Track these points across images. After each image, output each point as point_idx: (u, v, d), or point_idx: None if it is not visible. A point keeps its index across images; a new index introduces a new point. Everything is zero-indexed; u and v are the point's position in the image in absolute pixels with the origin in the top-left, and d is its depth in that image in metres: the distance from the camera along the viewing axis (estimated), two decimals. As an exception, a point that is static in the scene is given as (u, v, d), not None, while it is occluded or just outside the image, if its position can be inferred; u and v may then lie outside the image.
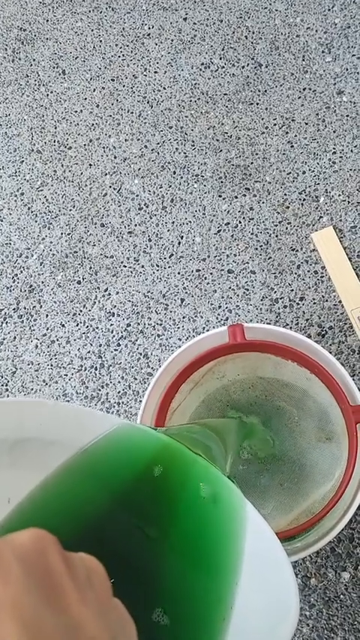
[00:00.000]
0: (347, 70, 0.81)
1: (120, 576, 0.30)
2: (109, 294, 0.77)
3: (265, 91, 0.82)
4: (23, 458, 0.33)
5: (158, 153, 0.82)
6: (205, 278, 0.75)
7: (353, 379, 0.66)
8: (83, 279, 0.78)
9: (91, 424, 0.37)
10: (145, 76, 0.87)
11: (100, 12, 0.93)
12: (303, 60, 0.83)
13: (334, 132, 0.78)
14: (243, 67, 0.84)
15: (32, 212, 0.83)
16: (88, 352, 0.74)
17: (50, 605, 0.15)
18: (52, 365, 0.75)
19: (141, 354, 0.73)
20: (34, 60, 0.92)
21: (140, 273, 0.77)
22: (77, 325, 0.76)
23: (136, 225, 0.79)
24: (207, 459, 0.37)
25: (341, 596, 0.63)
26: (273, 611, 0.30)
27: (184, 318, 0.74)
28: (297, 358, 0.51)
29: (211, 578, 0.33)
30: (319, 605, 0.63)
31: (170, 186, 0.80)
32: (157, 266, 0.77)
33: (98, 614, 0.17)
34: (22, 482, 0.33)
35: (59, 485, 0.34)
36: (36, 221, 0.82)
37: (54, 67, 0.91)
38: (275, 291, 0.73)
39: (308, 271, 0.73)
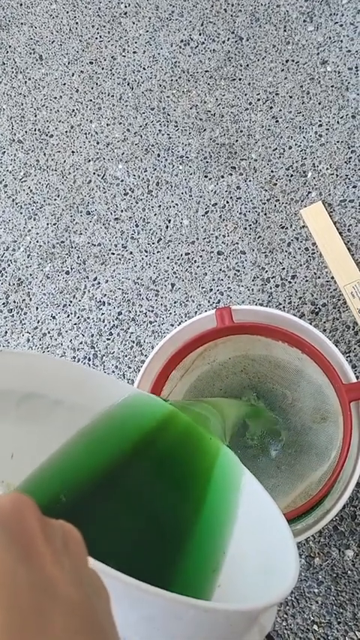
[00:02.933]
0: (330, 38, 0.78)
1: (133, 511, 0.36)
2: (99, 282, 0.76)
3: (247, 65, 0.80)
4: (30, 414, 0.35)
5: (141, 136, 0.81)
6: (195, 261, 0.74)
7: (349, 355, 0.65)
8: (72, 269, 0.77)
9: (102, 387, 0.39)
10: (124, 56, 0.85)
11: (75, -7, 0.90)
12: (284, 31, 0.80)
13: (320, 104, 0.76)
14: (223, 41, 0.82)
15: (17, 204, 0.81)
16: (81, 343, 0.73)
17: (25, 564, 0.16)
18: (44, 358, 0.74)
19: (134, 342, 0.72)
20: (9, 46, 0.90)
21: (129, 259, 0.76)
22: (68, 316, 0.75)
23: (122, 211, 0.78)
24: (207, 429, 0.41)
25: (349, 572, 0.62)
26: (270, 563, 0.32)
27: (175, 303, 0.73)
28: (287, 339, 0.49)
29: (206, 523, 0.36)
30: (327, 582, 0.63)
31: (155, 169, 0.79)
32: (146, 252, 0.76)
33: (72, 577, 0.17)
34: (26, 439, 0.34)
35: (84, 443, 0.37)
36: (21, 213, 0.81)
37: (30, 53, 0.89)
38: (266, 271, 0.71)
39: (299, 248, 0.71)
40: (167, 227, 0.76)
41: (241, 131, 0.77)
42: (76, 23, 0.88)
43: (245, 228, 0.73)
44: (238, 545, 0.35)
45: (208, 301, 0.72)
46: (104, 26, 0.87)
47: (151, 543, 0.35)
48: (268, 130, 0.77)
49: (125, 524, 0.35)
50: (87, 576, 0.19)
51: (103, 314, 0.74)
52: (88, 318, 0.74)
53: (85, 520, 0.33)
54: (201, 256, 0.74)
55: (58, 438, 0.37)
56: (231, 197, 0.75)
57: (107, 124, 0.82)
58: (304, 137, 0.75)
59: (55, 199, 0.80)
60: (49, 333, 0.75)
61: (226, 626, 0.23)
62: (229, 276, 0.72)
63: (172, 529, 0.36)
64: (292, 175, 0.74)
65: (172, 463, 0.40)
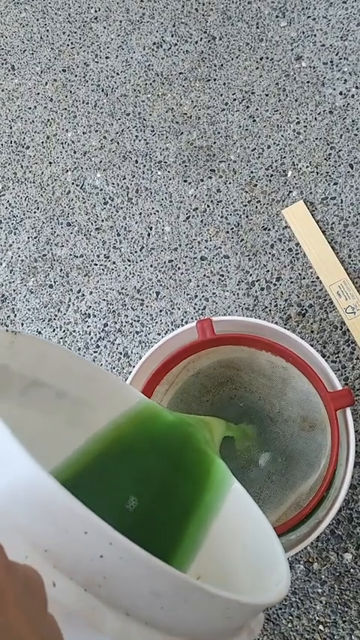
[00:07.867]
0: (304, 33, 0.77)
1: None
2: (83, 295, 0.75)
3: (222, 65, 0.79)
4: (33, 401, 0.35)
5: (118, 143, 0.79)
6: (179, 268, 0.73)
7: (337, 356, 0.64)
8: (55, 282, 0.76)
9: (108, 386, 0.40)
10: (97, 62, 0.84)
11: None
12: (257, 28, 0.79)
13: (296, 100, 0.75)
14: (196, 42, 0.81)
15: (-4, 218, 0.80)
16: (68, 357, 0.73)
17: None
18: (32, 374, 0.73)
19: (121, 353, 0.72)
20: (-20, 59, 0.88)
21: (112, 270, 0.75)
22: (54, 331, 0.74)
23: (102, 220, 0.77)
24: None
25: (351, 570, 0.62)
26: (256, 566, 0.33)
27: (161, 311, 0.72)
28: (270, 348, 0.49)
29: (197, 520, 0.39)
30: (330, 581, 0.62)
31: (134, 176, 0.78)
32: (129, 261, 0.75)
33: (31, 620, 0.18)
34: (26, 426, 0.34)
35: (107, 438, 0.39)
36: (1, 227, 0.80)
37: (2, 63, 0.87)
38: (251, 274, 0.70)
39: (282, 250, 0.70)
40: (149, 235, 0.75)
41: (219, 132, 0.76)
42: (47, 31, 0.87)
43: (227, 232, 0.72)
44: (218, 547, 0.37)
45: (194, 308, 0.71)
46: (75, 32, 0.86)
47: (150, 531, 0.37)
48: (246, 130, 0.76)
49: (131, 500, 0.38)
50: (45, 622, 0.19)
51: (88, 326, 0.73)
52: (74, 331, 0.74)
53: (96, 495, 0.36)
54: (184, 263, 0.73)
55: (57, 430, 0.37)
56: (212, 201, 0.74)
57: (83, 132, 0.81)
58: (282, 135, 0.74)
59: (35, 212, 0.79)
60: (35, 348, 0.74)
61: (224, 618, 0.24)
62: (213, 282, 0.71)
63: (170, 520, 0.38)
64: (272, 175, 0.73)
65: (177, 461, 0.42)
